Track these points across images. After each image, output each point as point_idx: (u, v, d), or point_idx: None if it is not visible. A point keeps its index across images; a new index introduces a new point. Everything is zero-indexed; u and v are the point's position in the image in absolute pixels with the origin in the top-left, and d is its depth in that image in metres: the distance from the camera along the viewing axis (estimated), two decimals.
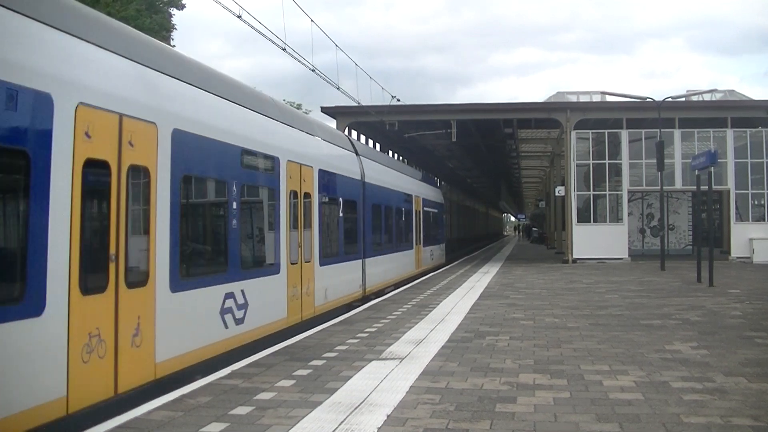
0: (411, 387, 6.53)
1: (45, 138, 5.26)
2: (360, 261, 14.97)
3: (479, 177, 57.58)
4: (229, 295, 8.20)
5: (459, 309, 12.55)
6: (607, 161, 29.37)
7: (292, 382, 6.79)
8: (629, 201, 30.45)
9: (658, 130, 25.52)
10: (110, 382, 5.92)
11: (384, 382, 6.75)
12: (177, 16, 32.56)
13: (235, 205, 8.53)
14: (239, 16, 12.02)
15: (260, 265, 9.61)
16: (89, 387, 5.61)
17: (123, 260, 6.14)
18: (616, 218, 29.42)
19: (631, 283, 18.04)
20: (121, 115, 6.18)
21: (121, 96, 6.31)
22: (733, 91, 32.99)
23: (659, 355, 8.05)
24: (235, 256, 8.54)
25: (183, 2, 31.83)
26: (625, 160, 28.99)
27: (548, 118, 29.35)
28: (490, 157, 42.58)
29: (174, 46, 29.14)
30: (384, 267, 17.43)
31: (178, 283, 7.08)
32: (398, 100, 26.05)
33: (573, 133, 28.50)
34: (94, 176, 5.86)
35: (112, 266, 5.99)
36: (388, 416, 5.55)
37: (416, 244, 22.31)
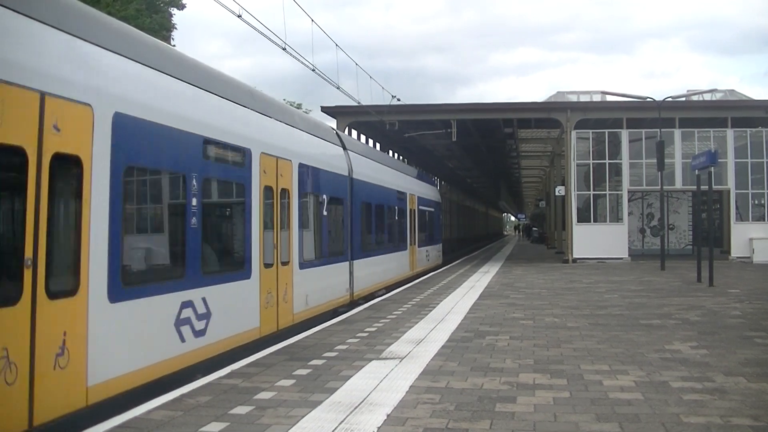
0: (411, 386, 6.53)
1: None
2: (347, 263, 13.94)
3: (479, 177, 57.61)
4: (187, 304, 7.21)
5: (459, 309, 12.55)
6: (607, 161, 29.37)
7: (292, 381, 6.79)
8: (629, 201, 30.45)
9: (658, 130, 25.52)
10: (23, 413, 4.95)
11: (384, 381, 6.75)
12: (177, 16, 32.57)
13: (195, 202, 7.48)
14: (239, 16, 12.04)
15: (227, 270, 8.63)
16: None
17: (43, 266, 5.16)
18: (616, 218, 29.42)
19: (631, 283, 18.04)
20: (43, 94, 5.23)
21: (43, 71, 5.34)
22: (733, 91, 33.00)
23: (659, 355, 8.04)
24: (195, 260, 7.52)
25: (183, 2, 31.87)
26: (625, 160, 28.99)
27: (548, 117, 29.35)
28: (490, 156, 42.59)
29: (174, 45, 29.14)
30: (374, 269, 16.35)
31: (119, 292, 6.09)
32: (398, 100, 26.07)
33: (573, 133, 28.50)
34: (5, 166, 5.11)
35: (27, 273, 5.03)
36: (388, 416, 5.55)
37: (411, 244, 21.42)
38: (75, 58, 5.89)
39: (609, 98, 30.45)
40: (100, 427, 5.22)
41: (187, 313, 7.22)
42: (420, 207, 22.93)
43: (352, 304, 13.78)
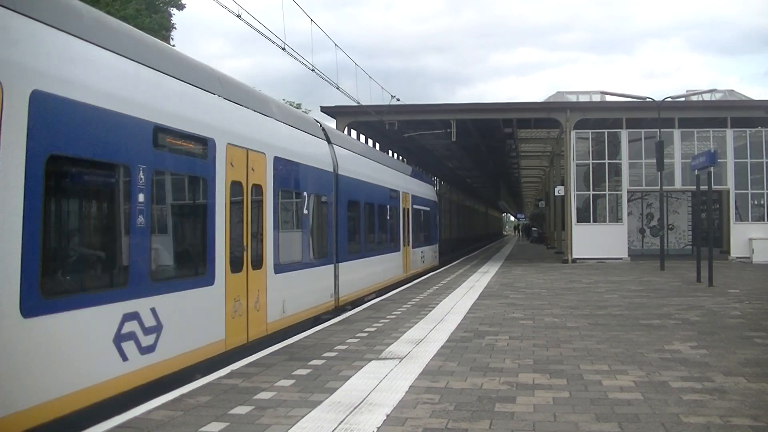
0: (410, 386, 6.54)
1: None
2: (331, 266, 12.81)
3: (479, 177, 57.64)
4: (131, 317, 6.25)
5: (458, 309, 12.55)
6: (606, 161, 29.38)
7: (292, 381, 6.79)
8: (629, 201, 30.48)
9: (657, 130, 25.52)
10: None
11: (383, 381, 6.75)
12: (177, 16, 32.64)
13: (141, 198, 6.49)
14: (239, 16, 12.04)
15: (184, 275, 7.61)
16: None
17: None
18: (616, 218, 29.43)
19: (630, 283, 18.05)
20: None
21: None
22: (732, 91, 33.03)
23: (659, 355, 8.05)
24: (141, 265, 6.53)
25: (183, 2, 31.88)
26: (624, 160, 29.00)
27: (548, 118, 29.37)
28: (490, 156, 42.61)
29: (174, 45, 29.16)
30: (363, 272, 15.27)
31: (36, 304, 5.13)
32: (398, 100, 26.08)
33: (573, 133, 28.51)
34: None
35: None
36: (387, 416, 5.55)
37: (404, 245, 20.36)
38: None
39: (609, 98, 30.47)
40: (100, 427, 5.23)
41: (131, 326, 6.25)
42: (414, 206, 22.07)
43: (338, 310, 12.86)
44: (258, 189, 9.29)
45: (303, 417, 5.53)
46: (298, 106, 43.15)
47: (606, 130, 29.56)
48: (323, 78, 17.81)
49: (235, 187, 8.55)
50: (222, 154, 8.17)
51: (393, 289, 16.67)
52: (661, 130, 25.39)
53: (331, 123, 26.90)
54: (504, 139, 35.17)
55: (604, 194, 29.52)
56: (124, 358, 6.16)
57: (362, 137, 30.40)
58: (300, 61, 15.70)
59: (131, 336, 6.26)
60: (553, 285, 17.74)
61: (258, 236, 9.26)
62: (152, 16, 29.02)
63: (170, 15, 31.75)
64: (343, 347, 8.68)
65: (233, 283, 8.37)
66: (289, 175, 10.71)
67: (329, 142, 13.38)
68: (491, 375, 7.05)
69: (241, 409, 5.76)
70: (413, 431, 5.19)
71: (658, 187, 25.25)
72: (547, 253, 38.11)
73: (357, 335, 9.61)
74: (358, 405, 5.88)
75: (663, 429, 5.19)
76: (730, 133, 28.48)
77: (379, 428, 5.24)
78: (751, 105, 29.71)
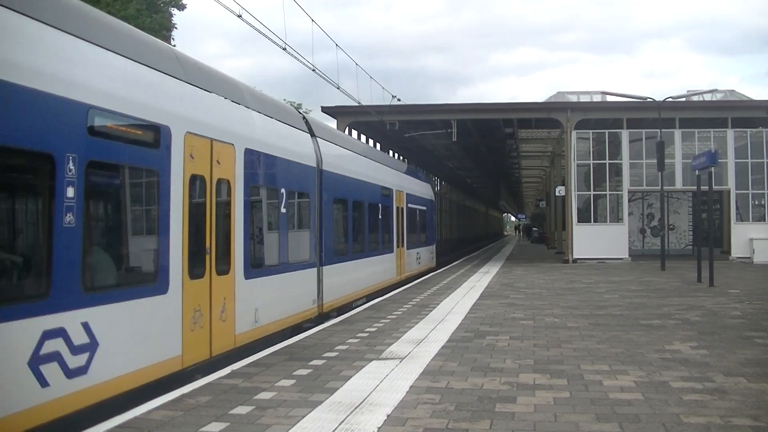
0: (411, 387, 6.54)
1: None
2: (314, 270, 11.73)
3: (479, 177, 57.66)
4: (54, 334, 5.23)
5: (459, 309, 12.55)
6: (607, 161, 29.38)
7: (292, 381, 6.79)
8: (629, 201, 30.47)
9: (658, 130, 25.52)
10: None
11: (384, 381, 6.75)
12: (177, 16, 32.61)
13: (71, 193, 5.52)
14: (239, 16, 12.05)
15: (127, 283, 6.59)
16: None
17: None
18: (617, 218, 29.43)
19: (631, 283, 18.04)
20: None
21: None
22: (733, 91, 33.00)
23: (659, 355, 8.05)
24: (69, 272, 5.51)
25: (183, 2, 31.91)
26: (625, 160, 29.00)
27: (548, 118, 29.37)
28: (490, 156, 42.62)
29: (174, 45, 29.18)
30: (351, 276, 14.18)
31: None
32: (398, 100, 26.09)
33: (573, 133, 28.51)
34: None
35: None
36: (388, 416, 5.55)
37: (398, 246, 19.30)
38: None
39: (609, 98, 30.48)
40: (100, 427, 5.23)
41: (54, 345, 5.24)
42: (409, 205, 21.07)
43: (321, 317, 11.87)
44: (225, 184, 8.30)
45: (303, 417, 5.53)
46: (299, 106, 43.11)
47: (607, 131, 29.56)
48: (324, 78, 17.83)
49: (196, 182, 7.58)
50: (179, 144, 7.18)
51: (386, 293, 15.86)
52: (662, 130, 25.39)
53: (331, 123, 26.95)
54: (504, 139, 35.19)
55: (605, 194, 29.52)
56: (44, 383, 5.15)
57: (363, 137, 30.42)
58: (300, 61, 15.73)
59: (54, 357, 5.25)
60: (554, 285, 17.75)
61: (225, 237, 8.28)
62: (153, 16, 29.05)
63: (171, 15, 31.79)
64: (344, 347, 8.68)
65: (192, 291, 7.35)
66: (264, 169, 9.72)
67: (312, 134, 12.35)
68: (492, 375, 7.05)
69: (242, 409, 5.77)
70: (414, 431, 5.20)
71: (659, 188, 25.26)
72: (547, 253, 38.11)
73: (357, 335, 9.61)
74: (359, 405, 5.89)
75: (663, 429, 5.19)
76: (730, 133, 28.48)
77: (379, 428, 5.24)
78: (751, 105, 29.70)
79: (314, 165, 11.91)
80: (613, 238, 28.31)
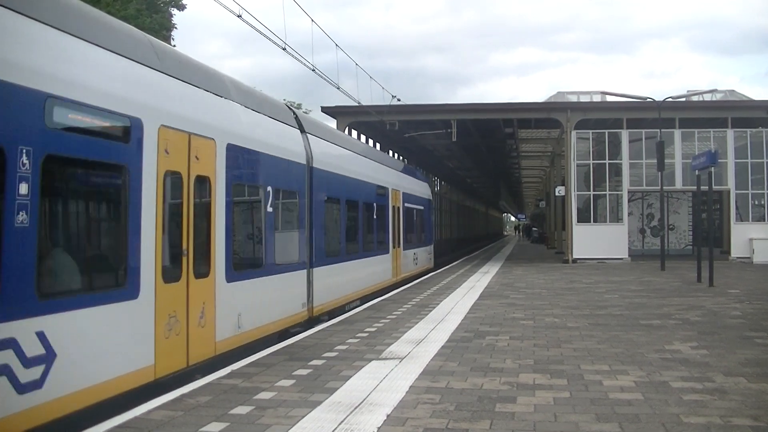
0: (411, 387, 6.54)
1: None
2: (304, 272, 11.22)
3: (479, 177, 57.67)
4: (2, 345, 4.83)
5: (459, 309, 12.55)
6: (607, 161, 29.39)
7: (292, 381, 6.79)
8: (629, 201, 30.49)
9: (658, 130, 25.54)
10: None
11: (384, 381, 6.75)
12: (177, 16, 32.63)
13: (24, 189, 5.10)
14: (239, 16, 12.07)
15: (91, 288, 6.07)
16: None
17: None
18: (616, 218, 29.44)
19: (631, 283, 18.05)
20: None
21: None
22: (733, 91, 33.03)
23: (659, 355, 8.05)
24: (20, 276, 5.06)
25: (183, 2, 31.92)
26: (625, 160, 29.01)
27: (548, 118, 29.38)
28: (490, 156, 42.63)
29: (174, 45, 29.19)
30: (344, 277, 13.66)
31: None
32: (398, 100, 26.12)
33: (573, 133, 28.52)
34: None
35: None
36: (388, 416, 5.55)
37: (394, 246, 18.74)
38: None
39: (609, 98, 30.49)
40: (100, 427, 5.23)
41: (2, 358, 4.82)
42: (406, 204, 20.56)
43: (312, 321, 11.34)
44: (204, 182, 7.79)
45: (303, 417, 5.53)
46: (299, 106, 43.14)
47: (606, 131, 29.57)
48: (324, 78, 17.86)
49: (172, 179, 7.09)
50: (152, 138, 6.71)
51: (381, 295, 15.38)
52: (662, 130, 25.40)
53: (331, 123, 26.95)
54: (504, 139, 35.20)
55: (605, 194, 29.54)
56: None
57: (363, 137, 30.43)
58: (300, 61, 15.75)
59: (2, 371, 4.83)
60: (554, 285, 17.75)
61: (204, 238, 7.79)
62: (153, 16, 29.07)
63: (171, 15, 31.81)
64: (344, 347, 8.68)
65: (167, 296, 6.86)
66: (249, 166, 9.23)
67: (302, 130, 11.79)
68: (492, 375, 7.05)
69: (242, 409, 5.76)
70: (414, 431, 5.20)
71: (659, 188, 25.26)
72: (547, 253, 38.12)
73: (357, 335, 9.61)
74: (359, 405, 5.88)
75: (663, 429, 5.19)
76: (730, 133, 28.49)
77: (379, 428, 5.24)
78: (751, 105, 29.71)
79: (304, 162, 11.42)
80: (613, 238, 28.32)
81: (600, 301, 13.98)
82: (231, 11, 11.73)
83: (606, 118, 29.56)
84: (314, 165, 11.82)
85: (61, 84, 5.58)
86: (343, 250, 13.94)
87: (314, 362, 7.72)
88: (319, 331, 10.13)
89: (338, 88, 19.40)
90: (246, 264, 9.19)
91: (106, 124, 6.17)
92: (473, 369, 7.36)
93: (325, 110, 28.64)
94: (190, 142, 7.44)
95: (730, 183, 28.37)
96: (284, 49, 14.35)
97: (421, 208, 23.48)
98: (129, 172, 6.38)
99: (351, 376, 6.98)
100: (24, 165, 5.09)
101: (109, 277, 6.36)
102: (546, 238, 48.92)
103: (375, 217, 16.81)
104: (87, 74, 5.99)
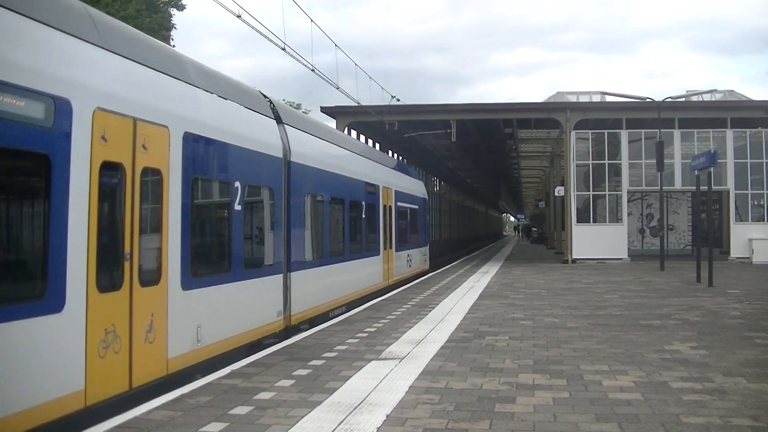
0: (410, 387, 6.54)
1: None
2: (280, 276, 10.21)
3: (479, 177, 57.70)
4: None
5: (458, 309, 12.56)
6: (606, 161, 29.40)
7: (292, 381, 6.79)
8: (629, 201, 30.50)
9: (657, 130, 25.53)
10: None
11: (383, 381, 6.75)
12: (177, 16, 32.66)
13: None
14: (239, 16, 12.07)
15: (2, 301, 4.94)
16: None
17: None
18: (616, 218, 29.45)
19: (630, 284, 18.05)
20: None
21: None
22: (732, 91, 33.03)
23: (659, 355, 8.05)
24: None
25: (183, 2, 31.93)
26: (624, 161, 29.03)
27: (548, 118, 29.40)
28: (490, 157, 42.64)
29: (174, 46, 29.20)
30: (327, 282, 12.51)
31: None
32: (398, 100, 26.13)
33: (573, 134, 28.53)
34: None
35: None
36: (387, 416, 5.56)
37: (385, 248, 17.67)
38: None
39: (609, 98, 30.49)
40: (100, 427, 5.23)
41: None
42: (399, 203, 19.47)
43: (289, 330, 10.36)
44: (154, 175, 6.81)
45: (303, 417, 5.53)
46: (298, 106, 43.15)
47: (606, 131, 29.59)
48: (323, 78, 17.87)
49: (110, 171, 6.09)
50: (85, 123, 5.73)
51: (371, 299, 14.55)
52: (661, 130, 25.40)
53: (331, 123, 26.95)
54: (504, 140, 35.21)
55: (604, 194, 29.54)
56: None
57: (362, 137, 30.44)
58: (300, 62, 15.75)
59: None
60: (553, 285, 17.75)
61: (154, 240, 6.84)
62: (152, 16, 29.06)
63: (170, 15, 31.80)
64: (343, 347, 8.68)
65: (102, 307, 5.86)
66: (212, 158, 8.26)
67: (279, 121, 10.75)
68: (491, 375, 7.05)
69: (241, 409, 5.77)
70: (413, 431, 5.20)
71: (658, 188, 25.27)
72: (547, 253, 38.12)
73: (357, 335, 9.61)
74: (358, 405, 5.89)
75: (663, 429, 5.19)
76: (730, 133, 28.50)
77: (379, 428, 5.25)
78: (751, 105, 29.72)
79: (281, 156, 10.38)
80: (613, 238, 28.34)
81: (599, 301, 13.98)
82: (231, 11, 11.75)
83: (605, 119, 29.59)
84: (292, 159, 10.79)
85: None
86: (326, 252, 12.83)
87: (314, 362, 7.72)
88: (319, 330, 10.13)
89: (338, 89, 19.42)
90: (208, 269, 8.14)
91: (20, 104, 5.09)
92: (473, 369, 7.36)
93: (325, 110, 28.65)
94: (136, 128, 6.45)
95: (730, 183, 28.38)
96: (284, 49, 14.36)
97: (416, 207, 22.63)
98: (52, 161, 5.36)
99: (351, 377, 6.99)
100: None
101: (23, 286, 5.33)
102: (545, 239, 48.93)
103: (363, 216, 15.79)
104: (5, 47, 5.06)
